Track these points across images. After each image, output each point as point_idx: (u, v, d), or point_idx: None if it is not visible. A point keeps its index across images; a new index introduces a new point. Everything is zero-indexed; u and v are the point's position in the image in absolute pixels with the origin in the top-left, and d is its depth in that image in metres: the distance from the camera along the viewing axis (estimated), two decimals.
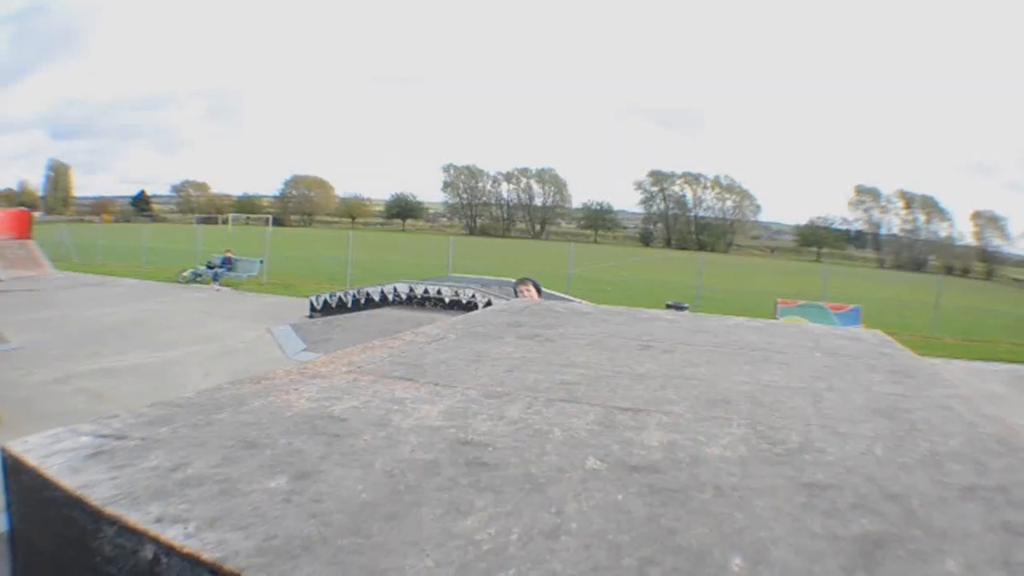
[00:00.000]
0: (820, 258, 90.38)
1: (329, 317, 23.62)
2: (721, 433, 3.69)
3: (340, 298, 23.96)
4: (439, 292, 22.07)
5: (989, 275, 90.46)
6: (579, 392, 4.43)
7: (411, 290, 22.45)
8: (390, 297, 23.17)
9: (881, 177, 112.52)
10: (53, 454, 3.02)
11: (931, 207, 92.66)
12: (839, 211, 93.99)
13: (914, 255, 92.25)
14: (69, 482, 2.75)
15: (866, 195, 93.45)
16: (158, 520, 2.47)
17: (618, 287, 37.68)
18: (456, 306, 21.50)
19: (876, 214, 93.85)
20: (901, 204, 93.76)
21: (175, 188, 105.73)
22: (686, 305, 28.06)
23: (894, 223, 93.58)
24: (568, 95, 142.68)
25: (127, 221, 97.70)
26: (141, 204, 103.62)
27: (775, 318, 27.83)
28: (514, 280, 24.35)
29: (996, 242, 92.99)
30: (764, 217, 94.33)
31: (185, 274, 35.20)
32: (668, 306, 27.81)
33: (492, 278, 24.41)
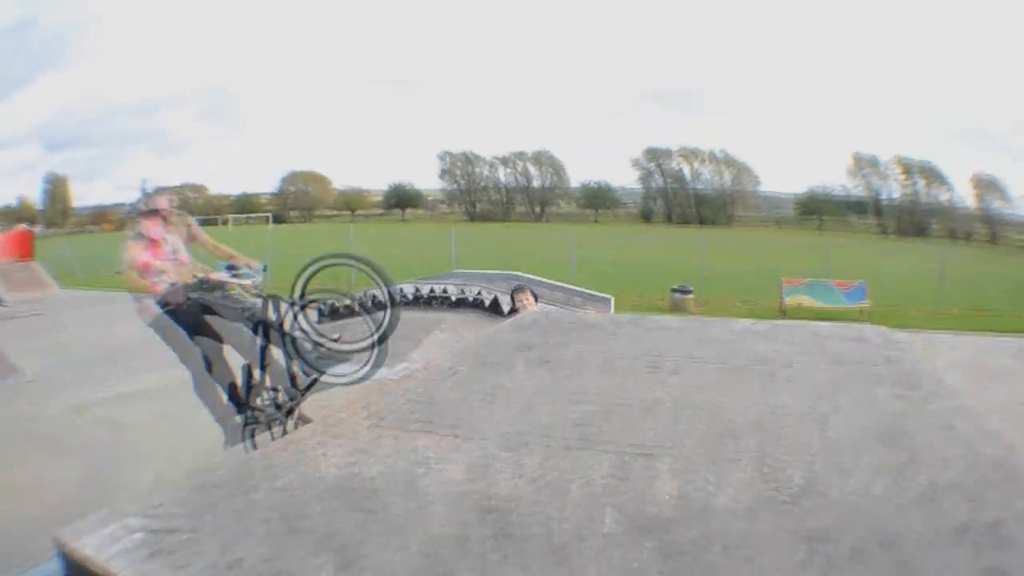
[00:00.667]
0: (822, 227, 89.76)
1: (335, 324, 23.62)
2: (729, 478, 3.87)
3: (347, 304, 23.99)
4: (445, 291, 22.07)
5: (993, 238, 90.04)
6: (592, 431, 4.62)
7: (417, 290, 22.43)
8: (396, 299, 23.22)
9: (878, 144, 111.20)
10: (115, 556, 3.14)
11: (930, 173, 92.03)
12: (838, 179, 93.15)
13: (916, 221, 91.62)
14: None
15: (864, 163, 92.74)
16: None
17: (622, 269, 37.44)
18: (462, 304, 21.50)
19: (875, 181, 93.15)
20: (899, 170, 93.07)
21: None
22: (690, 288, 28.23)
23: (894, 190, 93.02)
24: (562, 76, 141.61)
25: (122, 228, 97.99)
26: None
27: (781, 298, 27.89)
28: (515, 279, 24.56)
29: (997, 205, 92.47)
30: (763, 188, 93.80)
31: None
32: (673, 291, 27.98)
33: (495, 272, 24.38)
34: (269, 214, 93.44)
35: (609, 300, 24.09)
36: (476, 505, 3.64)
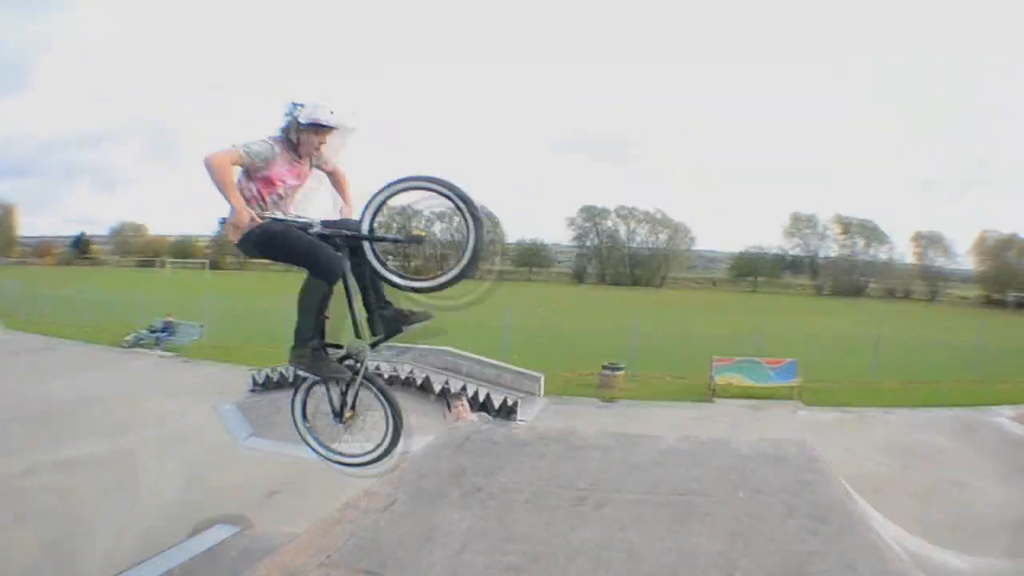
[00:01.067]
0: (756, 288, 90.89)
1: (273, 395, 23.40)
2: None
3: (282, 373, 23.78)
4: (378, 368, 22.12)
5: (933, 296, 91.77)
6: None
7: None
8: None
9: (817, 203, 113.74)
10: None
11: (870, 231, 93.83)
12: (775, 240, 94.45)
13: (853, 280, 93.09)
14: None
15: (802, 222, 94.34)
16: None
17: (554, 339, 37.30)
18: (395, 382, 21.69)
19: (813, 241, 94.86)
20: (839, 229, 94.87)
21: (113, 230, 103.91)
22: (621, 365, 28.32)
23: (831, 249, 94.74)
24: (495, 129, 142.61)
25: (68, 264, 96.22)
26: (81, 247, 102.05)
27: (712, 377, 28.20)
28: (446, 355, 24.74)
29: (940, 261, 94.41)
30: (698, 247, 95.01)
31: (128, 338, 34.66)
32: (603, 368, 28.11)
33: (427, 347, 24.48)
34: (206, 261, 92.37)
35: (539, 379, 24.51)
36: None
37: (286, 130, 6.07)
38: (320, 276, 5.89)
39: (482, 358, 24.66)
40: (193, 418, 20.78)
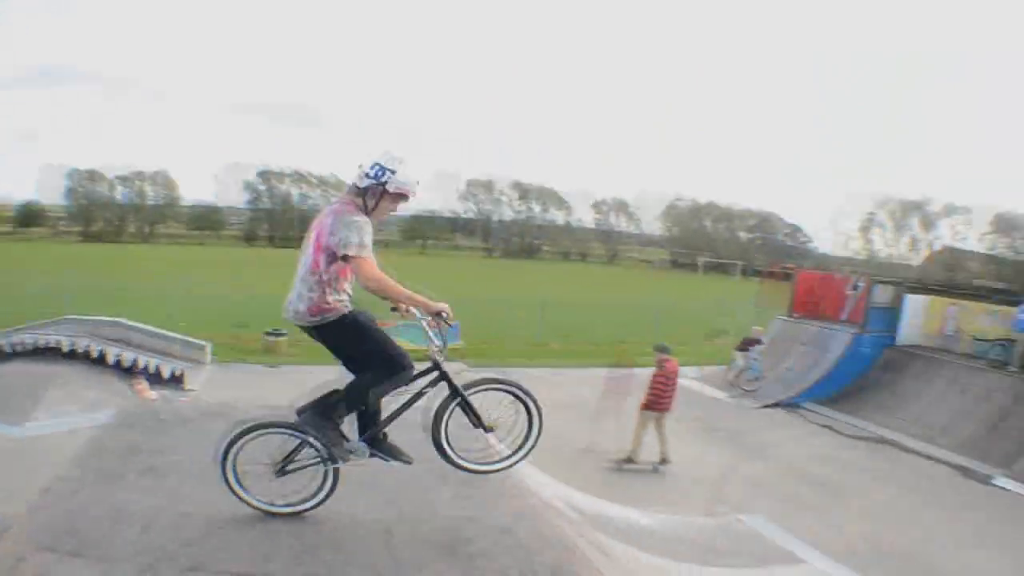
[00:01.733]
0: (425, 250, 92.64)
1: None
2: None
3: None
4: (59, 343, 21.32)
5: (611, 258, 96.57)
6: (204, 553, 5.19)
7: (36, 340, 21.43)
8: (18, 348, 21.90)
9: (497, 171, 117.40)
10: None
11: (548, 195, 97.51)
12: (449, 204, 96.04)
13: (526, 243, 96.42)
14: None
15: (478, 187, 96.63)
16: None
17: (221, 305, 35.84)
18: (73, 356, 20.86)
19: (488, 205, 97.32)
20: (516, 194, 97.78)
21: None
22: (284, 331, 27.94)
23: (507, 213, 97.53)
24: (174, 90, 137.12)
25: None
26: None
27: None
28: (119, 326, 23.92)
29: (623, 226, 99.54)
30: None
31: None
32: (267, 333, 27.72)
33: (103, 318, 23.52)
34: None
35: (205, 347, 24.11)
36: None
37: (362, 191, 5.56)
38: (397, 376, 5.69)
39: (153, 328, 23.97)
40: None
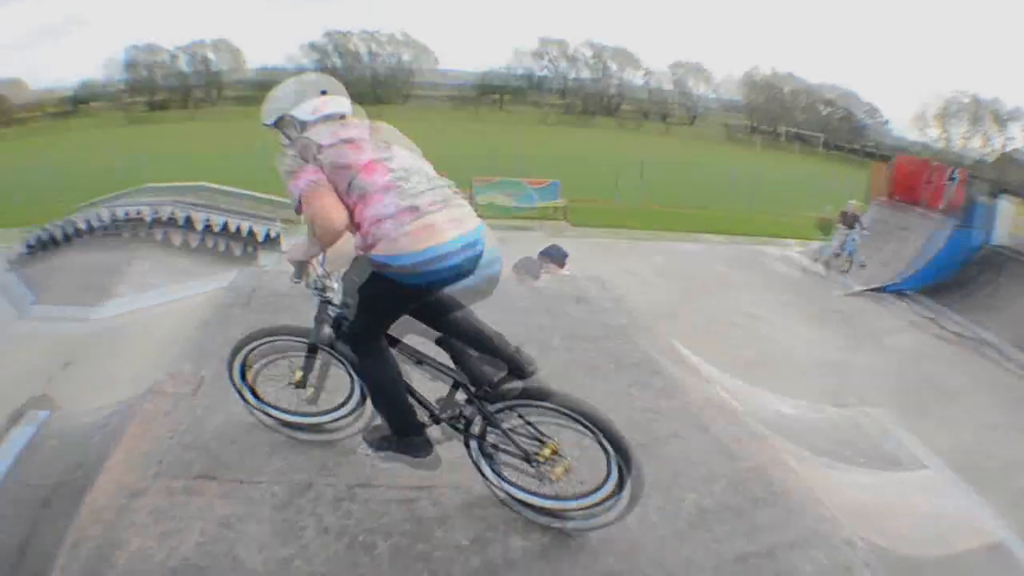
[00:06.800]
0: (503, 105, 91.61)
1: (49, 256, 21.71)
2: (512, 519, 4.21)
3: (53, 234, 22.15)
4: (139, 213, 21.10)
5: (692, 121, 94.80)
6: (362, 463, 4.73)
7: (113, 214, 21.29)
8: (95, 224, 21.71)
9: (567, 28, 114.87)
10: None
11: (624, 57, 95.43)
12: (524, 62, 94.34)
13: (604, 101, 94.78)
14: None
15: (552, 45, 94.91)
16: None
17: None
18: (155, 224, 20.74)
19: (563, 64, 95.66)
20: (590, 54, 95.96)
21: None
22: None
23: (584, 73, 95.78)
24: None
25: None
26: None
27: (472, 197, 27.92)
28: (203, 190, 23.64)
29: (700, 90, 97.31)
30: (443, 67, 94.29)
31: None
32: None
33: (185, 184, 23.31)
34: None
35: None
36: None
37: None
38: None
39: (240, 190, 23.78)
40: None
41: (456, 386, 4.22)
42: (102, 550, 3.93)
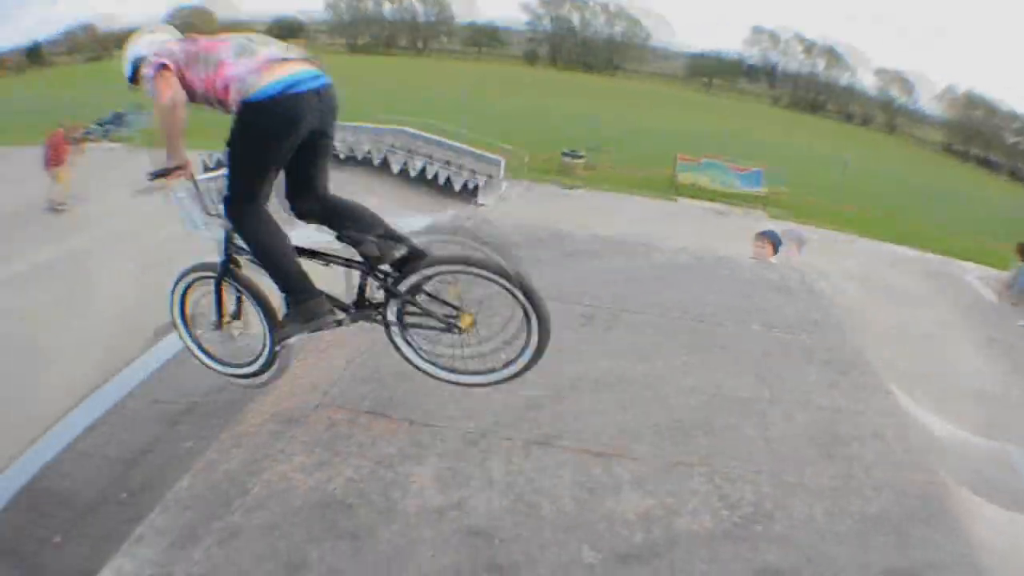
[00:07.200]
0: (711, 88, 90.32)
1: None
2: (685, 492, 4.09)
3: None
4: (342, 141, 21.51)
5: (892, 129, 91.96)
6: (545, 422, 4.66)
7: None
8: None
9: (779, 18, 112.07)
10: None
11: (832, 55, 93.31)
12: (734, 47, 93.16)
13: (810, 97, 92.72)
14: None
15: (763, 35, 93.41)
16: None
17: (513, 121, 35.87)
18: (350, 161, 21.17)
19: (773, 55, 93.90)
20: (800, 48, 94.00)
21: (66, 32, 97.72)
22: (582, 154, 27.88)
23: (791, 65, 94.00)
24: None
25: (23, 71, 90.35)
26: (34, 54, 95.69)
27: (675, 175, 27.94)
28: (402, 134, 24.00)
29: (902, 99, 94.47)
30: (655, 43, 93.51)
31: (75, 136, 32.62)
32: (563, 155, 27.73)
33: (385, 128, 23.63)
34: None
35: (500, 162, 23.87)
36: (459, 528, 3.72)
37: None
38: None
39: (440, 138, 24.07)
40: (146, 210, 19.49)
41: (365, 276, 4.39)
42: (237, 475, 3.99)
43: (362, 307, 4.44)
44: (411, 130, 24.05)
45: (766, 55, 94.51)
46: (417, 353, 4.49)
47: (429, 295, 4.32)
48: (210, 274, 4.70)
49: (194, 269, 4.83)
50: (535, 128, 33.35)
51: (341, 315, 4.43)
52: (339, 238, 4.40)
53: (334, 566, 3.44)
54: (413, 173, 21.11)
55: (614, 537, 3.72)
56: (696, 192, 27.41)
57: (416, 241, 4.33)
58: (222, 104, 4.21)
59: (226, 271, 4.62)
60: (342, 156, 21.26)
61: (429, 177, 21.10)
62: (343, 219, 4.46)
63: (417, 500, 3.87)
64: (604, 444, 4.45)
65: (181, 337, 4.99)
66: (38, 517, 6.35)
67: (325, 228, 4.52)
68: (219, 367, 4.91)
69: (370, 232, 4.29)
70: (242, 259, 4.57)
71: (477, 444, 4.37)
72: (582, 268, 7.55)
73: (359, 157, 21.22)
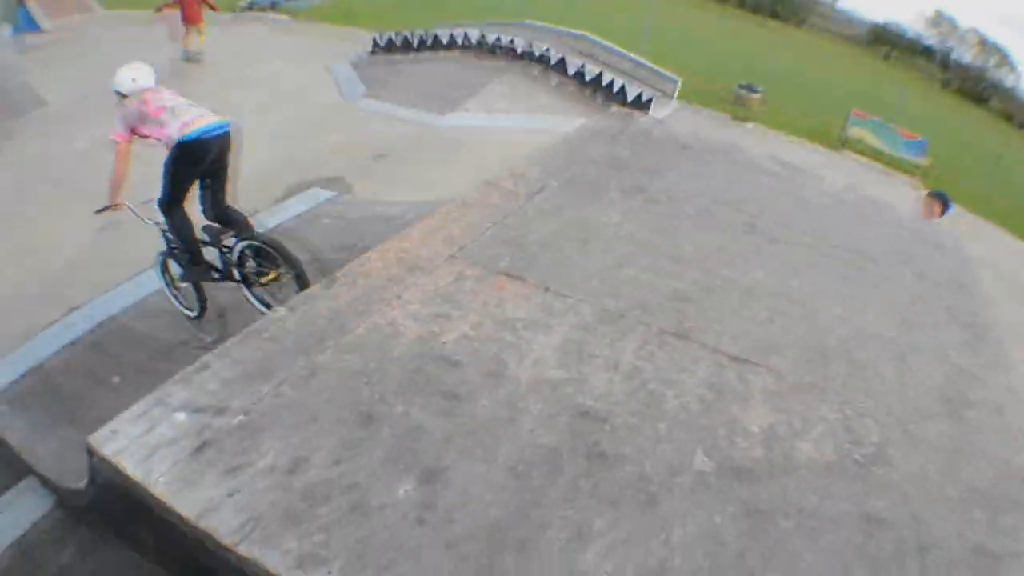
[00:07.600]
0: (889, 58, 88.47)
1: (391, 57, 22.39)
2: (814, 418, 3.97)
3: (406, 37, 22.57)
4: (512, 42, 21.30)
5: None
6: (689, 316, 4.62)
7: (482, 36, 21.60)
8: (459, 41, 22.10)
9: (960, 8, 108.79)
10: (154, 454, 2.97)
11: (1002, 55, 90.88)
12: (914, 26, 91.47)
13: (979, 90, 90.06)
14: (188, 509, 2.75)
15: (944, 22, 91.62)
16: (299, 565, 2.59)
17: (695, 55, 35.24)
18: (527, 57, 20.98)
19: (951, 41, 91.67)
20: (975, 41, 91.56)
21: None
22: (759, 88, 27.34)
23: (964, 54, 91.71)
24: None
25: None
26: None
27: (846, 128, 27.14)
28: (584, 40, 23.75)
29: None
30: (840, 5, 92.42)
31: (242, 3, 32.79)
32: (740, 86, 27.25)
33: (565, 30, 23.47)
34: None
35: (676, 82, 23.54)
36: (569, 405, 3.62)
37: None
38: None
39: (619, 49, 23.72)
40: (303, 79, 19.59)
41: (221, 253, 7.09)
42: (339, 314, 3.99)
43: (222, 271, 7.16)
44: (593, 37, 23.77)
45: (945, 40, 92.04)
46: (257, 299, 7.14)
47: (257, 265, 6.94)
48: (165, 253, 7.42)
49: (161, 252, 7.42)
50: (712, 61, 32.87)
51: (216, 274, 7.17)
52: (204, 228, 7.05)
53: (419, 423, 3.34)
54: (589, 77, 20.79)
55: (732, 447, 3.61)
56: (862, 148, 26.78)
57: (264, 236, 6.99)
58: (162, 142, 6.49)
59: (169, 253, 7.33)
60: (519, 50, 21.15)
61: (604, 84, 20.79)
62: (229, 220, 6.98)
63: (533, 371, 3.78)
64: (742, 349, 4.38)
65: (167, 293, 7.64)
66: (104, 358, 6.97)
67: (218, 225, 7.01)
68: (186, 310, 7.55)
69: (243, 231, 6.93)
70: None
71: (614, 323, 4.32)
72: (752, 182, 7.47)
73: (537, 54, 21.02)
